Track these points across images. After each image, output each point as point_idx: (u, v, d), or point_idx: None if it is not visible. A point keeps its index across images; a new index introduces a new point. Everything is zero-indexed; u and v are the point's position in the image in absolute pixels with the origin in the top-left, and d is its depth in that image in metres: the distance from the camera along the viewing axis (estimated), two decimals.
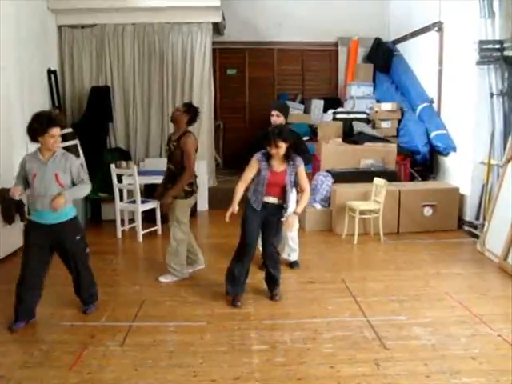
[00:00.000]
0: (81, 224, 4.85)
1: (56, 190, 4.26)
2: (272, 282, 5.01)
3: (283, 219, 4.76)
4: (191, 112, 5.29)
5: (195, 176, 5.39)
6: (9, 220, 6.30)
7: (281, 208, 4.78)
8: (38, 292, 4.45)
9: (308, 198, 4.85)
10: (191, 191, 5.32)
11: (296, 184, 4.84)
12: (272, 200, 4.72)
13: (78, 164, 4.47)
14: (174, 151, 5.26)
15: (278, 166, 4.67)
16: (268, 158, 4.65)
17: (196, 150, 5.32)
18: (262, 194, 4.68)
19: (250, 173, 4.70)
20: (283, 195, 4.72)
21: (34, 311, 4.46)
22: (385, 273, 5.65)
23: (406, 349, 3.91)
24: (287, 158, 4.65)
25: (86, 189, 4.45)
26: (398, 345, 3.97)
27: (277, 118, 5.59)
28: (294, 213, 4.78)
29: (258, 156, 4.68)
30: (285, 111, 5.68)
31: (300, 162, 4.76)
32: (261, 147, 5.58)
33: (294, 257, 5.97)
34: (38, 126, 4.18)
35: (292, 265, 5.94)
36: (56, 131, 4.23)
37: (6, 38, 7.08)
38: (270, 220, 4.77)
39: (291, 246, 5.92)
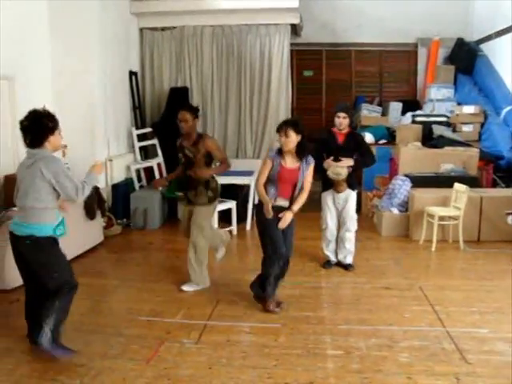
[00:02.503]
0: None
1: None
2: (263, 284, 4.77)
3: (280, 215, 4.57)
4: (197, 115, 5.18)
5: (217, 183, 5.31)
6: (91, 215, 6.55)
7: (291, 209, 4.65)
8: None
9: (305, 198, 4.66)
10: (214, 197, 5.23)
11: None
12: (283, 203, 4.60)
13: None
14: (193, 157, 5.11)
15: (292, 162, 4.57)
16: (281, 154, 4.57)
17: None
18: (275, 195, 4.58)
19: (265, 170, 4.58)
20: (293, 195, 4.60)
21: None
22: (465, 282, 5.45)
23: (488, 364, 3.73)
24: (300, 154, 4.55)
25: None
26: (479, 359, 3.79)
27: (343, 120, 5.57)
28: (290, 210, 4.58)
29: (271, 154, 4.60)
30: (351, 113, 5.67)
31: (312, 161, 4.66)
32: (324, 149, 5.57)
33: (349, 259, 5.91)
34: (51, 124, 3.71)
35: (347, 267, 5.88)
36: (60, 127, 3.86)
37: (91, 41, 7.42)
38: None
39: (348, 248, 5.86)
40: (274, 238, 4.55)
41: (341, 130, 5.63)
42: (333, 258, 5.97)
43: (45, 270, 3.74)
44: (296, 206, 4.59)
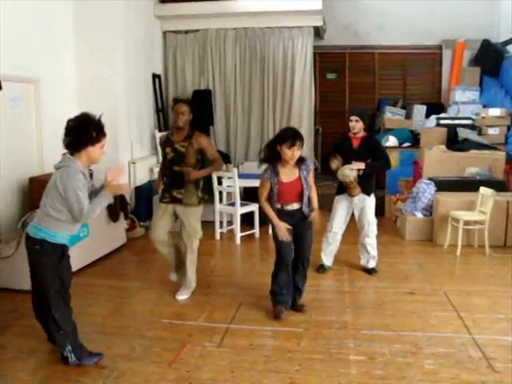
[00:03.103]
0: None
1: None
2: (295, 290, 4.77)
3: (310, 218, 4.56)
4: (192, 110, 4.99)
5: (204, 182, 5.12)
6: (114, 218, 6.59)
7: (303, 210, 4.58)
8: None
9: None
10: (203, 198, 5.08)
11: None
12: (296, 206, 4.54)
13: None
14: (184, 152, 4.87)
15: (290, 174, 4.46)
16: (275, 170, 4.43)
17: None
18: (284, 206, 4.52)
19: (264, 191, 4.48)
20: (302, 198, 4.53)
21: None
22: (491, 288, 5.34)
23: None
24: (299, 161, 4.46)
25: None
26: (508, 368, 3.68)
27: (356, 124, 5.52)
28: (313, 210, 4.57)
29: (266, 175, 4.44)
30: (364, 117, 5.59)
31: (311, 165, 4.59)
32: (338, 153, 5.52)
33: (372, 264, 5.85)
34: (97, 134, 3.56)
35: (370, 271, 5.82)
36: (106, 140, 3.70)
37: (115, 44, 7.48)
38: (301, 226, 4.59)
39: (370, 252, 5.81)
40: (282, 247, 4.52)
41: (355, 133, 5.58)
42: (327, 263, 5.91)
43: (39, 275, 3.64)
44: (315, 204, 4.59)
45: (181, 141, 4.88)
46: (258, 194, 4.56)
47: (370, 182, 5.74)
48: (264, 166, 4.54)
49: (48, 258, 3.57)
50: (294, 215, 4.54)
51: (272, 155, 4.43)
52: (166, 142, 5.01)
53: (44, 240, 3.55)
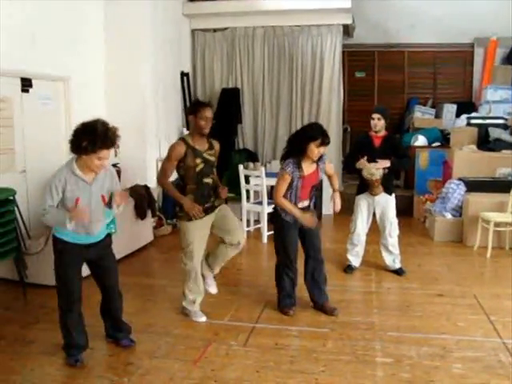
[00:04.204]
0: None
1: (102, 215, 3.68)
2: (319, 292, 4.72)
3: (330, 202, 4.68)
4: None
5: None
6: (141, 215, 6.64)
7: (310, 208, 4.61)
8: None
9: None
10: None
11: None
12: (306, 203, 4.53)
13: (117, 179, 3.86)
14: (214, 162, 4.51)
15: (309, 167, 4.44)
16: (297, 164, 4.39)
17: None
18: (296, 204, 4.47)
19: (284, 186, 4.41)
20: (311, 194, 4.54)
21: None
22: None
23: None
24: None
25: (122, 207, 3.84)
26: None
27: (378, 122, 5.48)
28: (334, 191, 4.69)
29: (288, 169, 4.36)
30: (386, 115, 5.54)
31: (327, 158, 4.62)
32: (360, 152, 5.47)
33: (398, 263, 5.79)
34: (87, 146, 3.36)
35: (398, 272, 5.75)
36: (107, 154, 3.45)
37: (143, 42, 7.53)
38: None
39: (394, 252, 5.75)
40: (289, 245, 4.54)
41: (377, 132, 5.52)
42: (355, 264, 5.86)
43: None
44: (336, 185, 4.76)
45: (207, 149, 4.43)
46: (276, 188, 4.46)
47: (391, 180, 5.73)
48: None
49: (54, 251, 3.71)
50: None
51: (298, 150, 4.39)
52: (191, 152, 4.31)
53: (53, 234, 3.69)
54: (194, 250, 4.41)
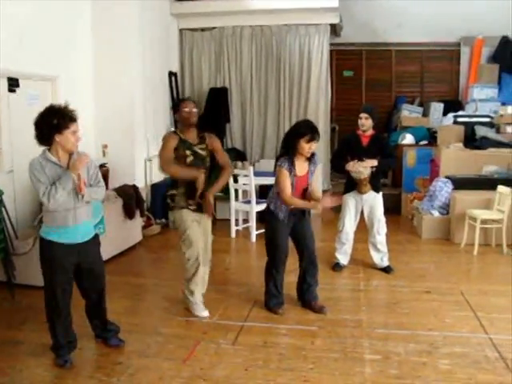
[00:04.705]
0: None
1: (80, 200, 3.59)
2: (309, 292, 4.75)
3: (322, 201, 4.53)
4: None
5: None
6: (130, 215, 6.62)
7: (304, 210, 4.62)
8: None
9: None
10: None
11: None
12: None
13: (95, 164, 3.84)
14: (205, 156, 4.52)
15: (301, 168, 4.44)
16: (293, 164, 4.39)
17: None
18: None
19: (288, 181, 4.36)
20: (304, 195, 4.51)
21: None
22: (508, 288, 5.25)
23: None
24: (311, 156, 4.46)
25: (102, 192, 3.77)
26: None
27: (365, 121, 5.51)
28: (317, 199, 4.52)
29: (285, 165, 4.35)
30: (373, 114, 5.58)
31: (319, 161, 4.62)
32: (347, 150, 5.50)
33: (386, 261, 5.83)
34: (58, 121, 3.41)
35: (386, 270, 5.79)
36: (77, 126, 3.51)
37: (131, 42, 7.52)
38: (301, 224, 4.61)
39: (382, 250, 5.79)
40: (281, 244, 4.55)
41: (364, 131, 5.56)
42: (343, 262, 5.89)
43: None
44: (320, 194, 4.54)
45: (198, 143, 4.48)
46: (281, 186, 4.37)
47: (379, 179, 5.77)
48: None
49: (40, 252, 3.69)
50: (295, 213, 4.55)
51: (290, 148, 4.41)
52: (182, 144, 4.40)
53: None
54: (190, 235, 4.45)
